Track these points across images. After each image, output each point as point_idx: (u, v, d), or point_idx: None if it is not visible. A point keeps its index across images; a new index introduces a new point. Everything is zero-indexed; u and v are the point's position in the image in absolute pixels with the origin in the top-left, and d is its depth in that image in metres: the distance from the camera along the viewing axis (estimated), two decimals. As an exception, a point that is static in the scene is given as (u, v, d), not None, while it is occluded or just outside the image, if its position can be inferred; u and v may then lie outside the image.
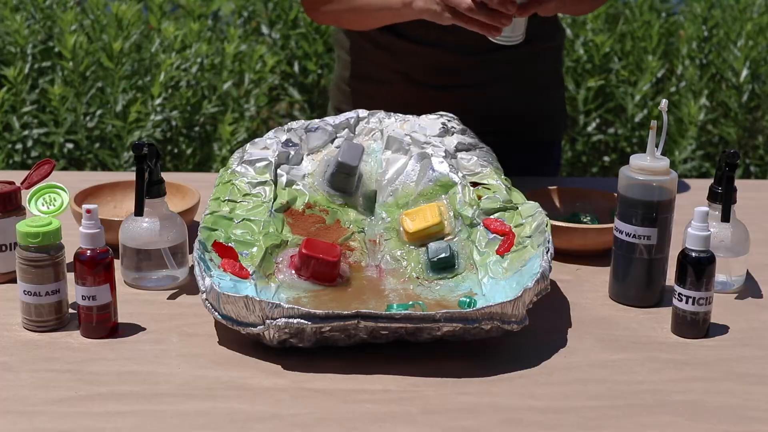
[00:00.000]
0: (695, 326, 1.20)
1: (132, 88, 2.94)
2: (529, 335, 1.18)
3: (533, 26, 1.48)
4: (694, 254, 1.19)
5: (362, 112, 1.45)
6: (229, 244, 1.24)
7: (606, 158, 3.26)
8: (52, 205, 1.32)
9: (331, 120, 1.43)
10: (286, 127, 1.42)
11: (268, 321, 1.09)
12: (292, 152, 1.38)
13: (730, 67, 3.14)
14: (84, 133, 2.91)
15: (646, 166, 1.24)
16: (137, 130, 2.85)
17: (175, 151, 3.05)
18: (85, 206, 1.15)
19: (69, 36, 2.84)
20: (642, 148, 1.24)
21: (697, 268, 1.18)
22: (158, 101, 2.89)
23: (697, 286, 1.18)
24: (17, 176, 1.38)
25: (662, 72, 3.21)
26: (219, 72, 3.06)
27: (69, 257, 1.20)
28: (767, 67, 3.18)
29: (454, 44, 1.61)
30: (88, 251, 1.15)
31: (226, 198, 1.31)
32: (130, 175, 1.57)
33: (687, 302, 1.19)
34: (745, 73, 3.11)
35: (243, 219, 1.28)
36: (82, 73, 2.89)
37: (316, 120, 1.43)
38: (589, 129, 3.20)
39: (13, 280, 1.24)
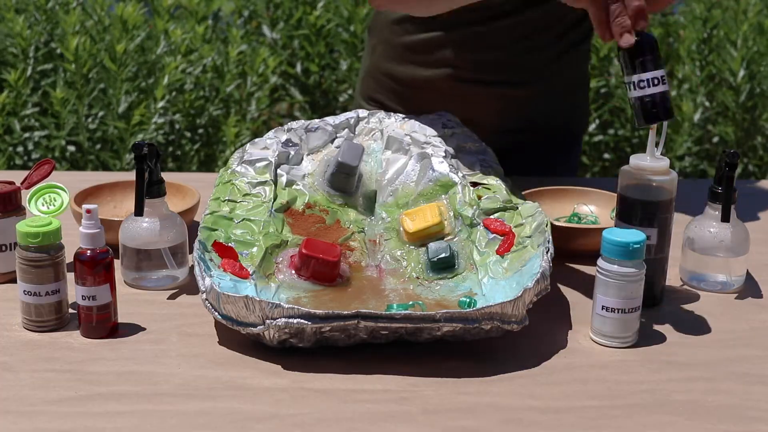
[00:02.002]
0: (663, 106, 1.19)
1: (135, 90, 2.94)
2: (529, 335, 1.18)
3: (572, 26, 1.52)
4: (639, 37, 1.19)
5: (362, 112, 1.45)
6: (229, 244, 1.24)
7: (606, 156, 3.26)
8: (52, 205, 1.32)
9: (331, 120, 1.43)
10: (286, 127, 1.42)
11: (268, 321, 1.09)
12: (292, 152, 1.38)
13: (727, 67, 3.14)
14: (86, 135, 2.91)
15: (646, 166, 1.23)
16: (140, 133, 2.85)
17: (178, 153, 3.05)
18: (85, 206, 1.15)
19: (71, 38, 2.84)
20: (642, 148, 1.24)
21: (653, 46, 1.19)
22: (161, 104, 2.89)
23: (656, 65, 1.18)
24: (17, 176, 1.38)
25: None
26: (222, 75, 3.06)
27: (69, 257, 1.20)
28: (765, 66, 3.17)
29: (500, 40, 1.62)
30: (88, 251, 1.15)
31: (226, 198, 1.31)
32: (130, 175, 1.57)
33: (649, 85, 1.18)
34: (742, 73, 3.11)
35: (243, 219, 1.28)
36: (85, 75, 2.89)
37: (316, 120, 1.43)
38: (590, 129, 3.20)
39: (13, 280, 1.24)
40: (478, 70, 1.64)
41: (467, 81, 1.63)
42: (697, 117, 3.10)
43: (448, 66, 1.64)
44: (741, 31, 3.12)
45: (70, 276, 1.20)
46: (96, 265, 1.15)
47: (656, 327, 1.23)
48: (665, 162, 1.24)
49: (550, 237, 1.22)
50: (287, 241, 1.28)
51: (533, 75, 1.66)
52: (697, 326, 1.23)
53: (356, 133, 1.43)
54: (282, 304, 1.09)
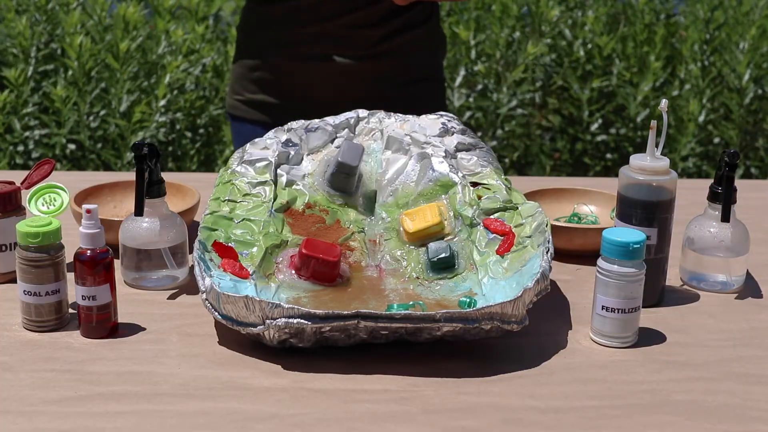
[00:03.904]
0: None
1: (136, 90, 2.95)
2: (529, 335, 1.18)
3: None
4: None
5: (362, 112, 1.45)
6: (229, 244, 1.24)
7: (609, 155, 3.26)
8: (52, 205, 1.32)
9: (331, 120, 1.43)
10: (286, 127, 1.42)
11: (268, 321, 1.09)
12: (292, 152, 1.38)
13: (732, 69, 3.14)
14: (87, 134, 2.91)
15: (646, 166, 1.24)
16: (141, 131, 2.85)
17: (179, 153, 3.05)
18: (85, 206, 1.15)
19: (75, 36, 2.84)
20: (644, 148, 1.24)
21: None
22: (162, 102, 2.89)
23: None
24: (17, 176, 1.39)
25: (665, 76, 3.22)
26: (221, 75, 3.06)
27: (69, 257, 1.20)
28: None
29: (333, 13, 1.70)
30: (88, 251, 1.15)
31: (226, 198, 1.31)
32: (130, 175, 1.57)
33: None
34: (747, 76, 3.11)
35: (243, 219, 1.28)
36: (87, 73, 2.89)
37: (316, 120, 1.43)
38: (592, 129, 3.20)
39: (13, 280, 1.25)
40: (314, 44, 1.71)
41: (304, 57, 1.69)
42: (701, 119, 3.10)
43: (282, 44, 1.73)
44: (749, 34, 3.13)
45: (70, 276, 1.20)
46: (96, 265, 1.15)
47: (656, 327, 1.23)
48: (665, 162, 1.24)
49: (550, 237, 1.22)
50: (287, 241, 1.28)
51: (366, 51, 1.72)
52: (697, 326, 1.23)
53: (356, 133, 1.43)
54: (282, 304, 1.09)
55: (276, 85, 1.75)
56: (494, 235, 1.28)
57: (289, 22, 1.71)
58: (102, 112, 2.94)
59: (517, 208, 1.31)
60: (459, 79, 3.19)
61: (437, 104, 1.82)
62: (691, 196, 1.52)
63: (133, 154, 1.30)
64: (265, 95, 1.77)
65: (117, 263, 1.29)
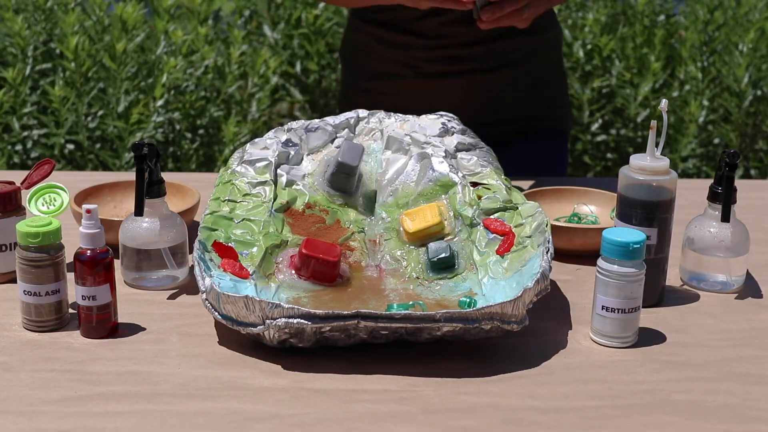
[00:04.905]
0: None
1: (134, 90, 2.94)
2: (529, 335, 1.18)
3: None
4: None
5: (362, 112, 1.45)
6: (229, 244, 1.24)
7: (609, 155, 3.26)
8: (52, 205, 1.32)
9: (331, 120, 1.43)
10: (286, 127, 1.42)
11: (268, 321, 1.09)
12: (292, 152, 1.38)
13: (731, 73, 3.14)
14: (85, 134, 2.91)
15: (646, 166, 1.23)
16: (139, 131, 2.85)
17: (178, 153, 3.05)
18: (85, 206, 1.15)
19: (71, 37, 2.84)
20: (644, 148, 1.24)
21: None
22: (160, 103, 2.89)
23: None
24: (17, 176, 1.39)
25: (664, 77, 3.22)
26: (223, 76, 3.06)
27: (69, 257, 1.20)
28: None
29: (458, 35, 1.66)
30: (88, 251, 1.15)
31: (226, 198, 1.31)
32: (130, 175, 1.57)
33: None
34: (746, 79, 3.11)
35: (243, 219, 1.28)
36: (84, 73, 2.89)
37: (316, 120, 1.43)
38: (593, 129, 3.20)
39: (13, 280, 1.24)
40: (439, 63, 1.68)
41: (430, 75, 1.67)
42: (701, 120, 3.10)
43: (409, 65, 1.70)
44: (747, 38, 3.13)
45: (70, 276, 1.20)
46: (96, 265, 1.15)
47: (656, 327, 1.23)
48: (665, 162, 1.24)
49: (550, 237, 1.22)
50: (287, 241, 1.28)
51: (496, 63, 1.70)
52: (697, 326, 1.23)
53: (356, 133, 1.43)
54: (282, 304, 1.09)
55: (400, 105, 1.64)
56: (494, 235, 1.28)
57: (411, 44, 1.68)
58: (100, 113, 2.93)
59: (517, 208, 1.31)
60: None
61: (563, 98, 1.80)
62: (691, 196, 1.52)
63: (131, 154, 1.30)
64: None
65: (117, 263, 1.29)
